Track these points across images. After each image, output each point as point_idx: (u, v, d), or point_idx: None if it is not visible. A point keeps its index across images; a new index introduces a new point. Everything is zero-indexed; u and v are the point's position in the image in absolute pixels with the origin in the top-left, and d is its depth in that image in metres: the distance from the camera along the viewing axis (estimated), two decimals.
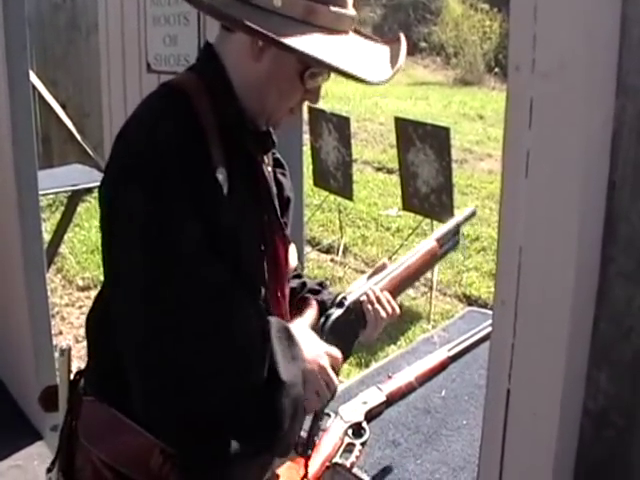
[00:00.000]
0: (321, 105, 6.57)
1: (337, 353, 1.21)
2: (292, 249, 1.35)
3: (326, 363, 1.17)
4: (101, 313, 1.22)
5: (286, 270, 1.30)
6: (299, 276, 1.48)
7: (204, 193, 1.07)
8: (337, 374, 1.20)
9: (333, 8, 1.09)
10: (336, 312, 1.29)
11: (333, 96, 13.02)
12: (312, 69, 1.13)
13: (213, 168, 1.09)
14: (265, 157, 1.26)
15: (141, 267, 1.05)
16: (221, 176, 1.09)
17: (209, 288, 1.07)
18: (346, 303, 1.31)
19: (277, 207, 1.25)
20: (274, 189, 1.26)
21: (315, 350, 1.18)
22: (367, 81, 1.11)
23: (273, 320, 1.14)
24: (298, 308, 1.37)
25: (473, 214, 1.61)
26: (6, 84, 3.10)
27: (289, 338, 1.13)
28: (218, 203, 1.08)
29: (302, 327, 1.23)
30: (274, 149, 1.30)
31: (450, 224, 1.55)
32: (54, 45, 7.31)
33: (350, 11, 1.13)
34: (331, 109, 6.00)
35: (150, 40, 2.05)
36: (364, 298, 1.34)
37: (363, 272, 5.57)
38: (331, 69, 1.11)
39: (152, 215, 1.04)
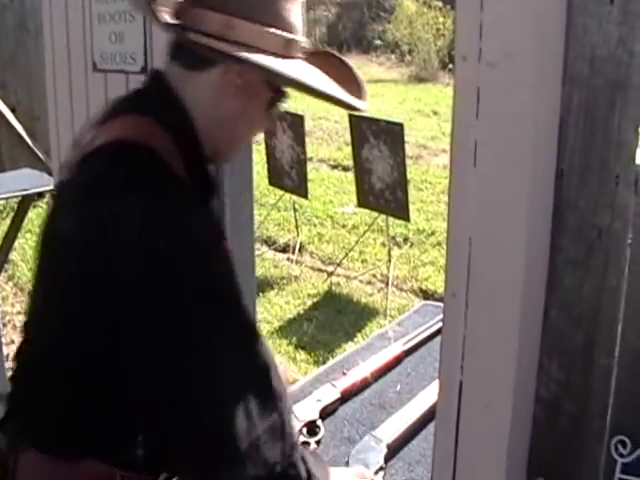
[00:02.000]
0: None
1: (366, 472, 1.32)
2: None
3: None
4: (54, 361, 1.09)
5: None
6: None
7: None
8: None
9: (301, 38, 1.15)
10: None
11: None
12: (282, 99, 1.20)
13: None
14: None
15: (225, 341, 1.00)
16: None
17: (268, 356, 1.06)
18: None
19: None
20: None
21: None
22: (355, 107, 1.20)
23: None
24: None
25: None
26: None
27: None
28: None
29: None
30: None
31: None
32: (2, 47, 7.16)
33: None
34: (285, 107, 5.97)
35: (96, 38, 2.01)
36: None
37: (320, 270, 5.61)
38: (323, 97, 1.15)
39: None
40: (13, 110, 6.43)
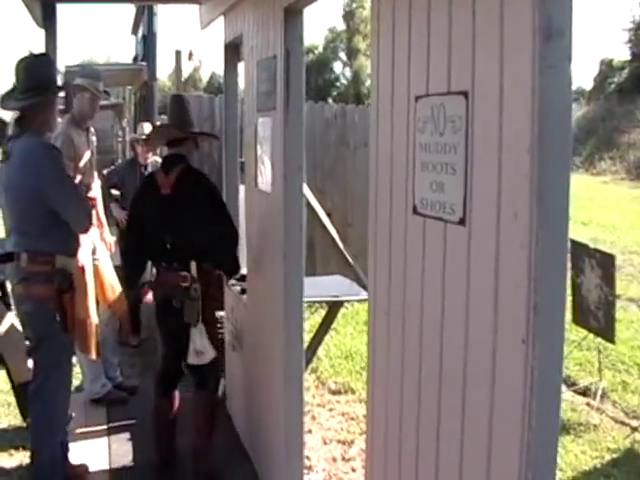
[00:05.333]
0: (584, 236, 6.22)
1: None
2: None
3: None
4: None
5: None
6: None
7: None
8: None
9: None
10: None
11: (597, 224, 12.40)
12: None
13: None
14: None
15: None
16: None
17: None
18: None
19: None
20: None
21: None
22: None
23: None
24: None
25: None
26: (282, 200, 3.41)
27: None
28: None
29: None
30: None
31: None
32: (324, 158, 7.96)
33: None
34: (594, 238, 5.71)
35: (417, 183, 2.11)
36: None
37: (623, 423, 5.09)
38: None
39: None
40: (329, 215, 6.99)
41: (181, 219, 3.81)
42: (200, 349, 3.83)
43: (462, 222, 1.89)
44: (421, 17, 2.07)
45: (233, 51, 4.67)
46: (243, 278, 4.34)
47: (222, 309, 4.77)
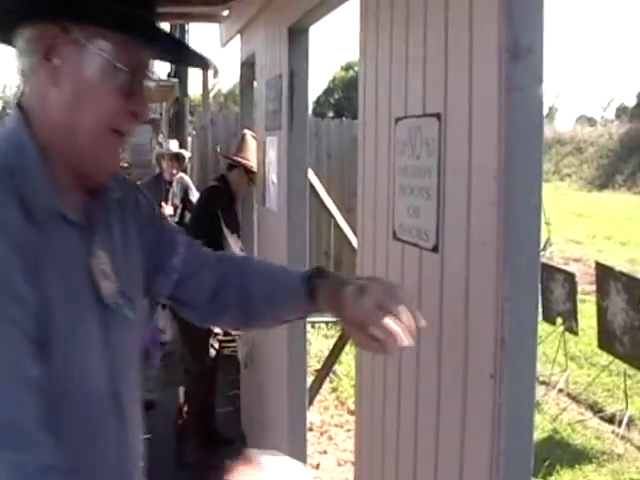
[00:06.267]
0: (622, 256, 6.01)
1: None
2: None
3: None
4: None
5: None
6: None
7: None
8: None
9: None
10: None
11: (636, 244, 12.01)
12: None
13: None
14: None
15: None
16: None
17: None
18: None
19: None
20: None
21: None
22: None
23: None
24: None
25: None
26: (286, 219, 3.36)
27: None
28: None
29: None
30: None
31: None
32: (351, 175, 7.87)
33: None
34: (632, 259, 5.52)
35: (397, 208, 2.05)
36: None
37: None
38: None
39: None
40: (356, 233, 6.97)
41: None
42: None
43: (435, 249, 1.82)
44: (400, 34, 2.02)
45: (249, 70, 4.66)
46: None
47: None
